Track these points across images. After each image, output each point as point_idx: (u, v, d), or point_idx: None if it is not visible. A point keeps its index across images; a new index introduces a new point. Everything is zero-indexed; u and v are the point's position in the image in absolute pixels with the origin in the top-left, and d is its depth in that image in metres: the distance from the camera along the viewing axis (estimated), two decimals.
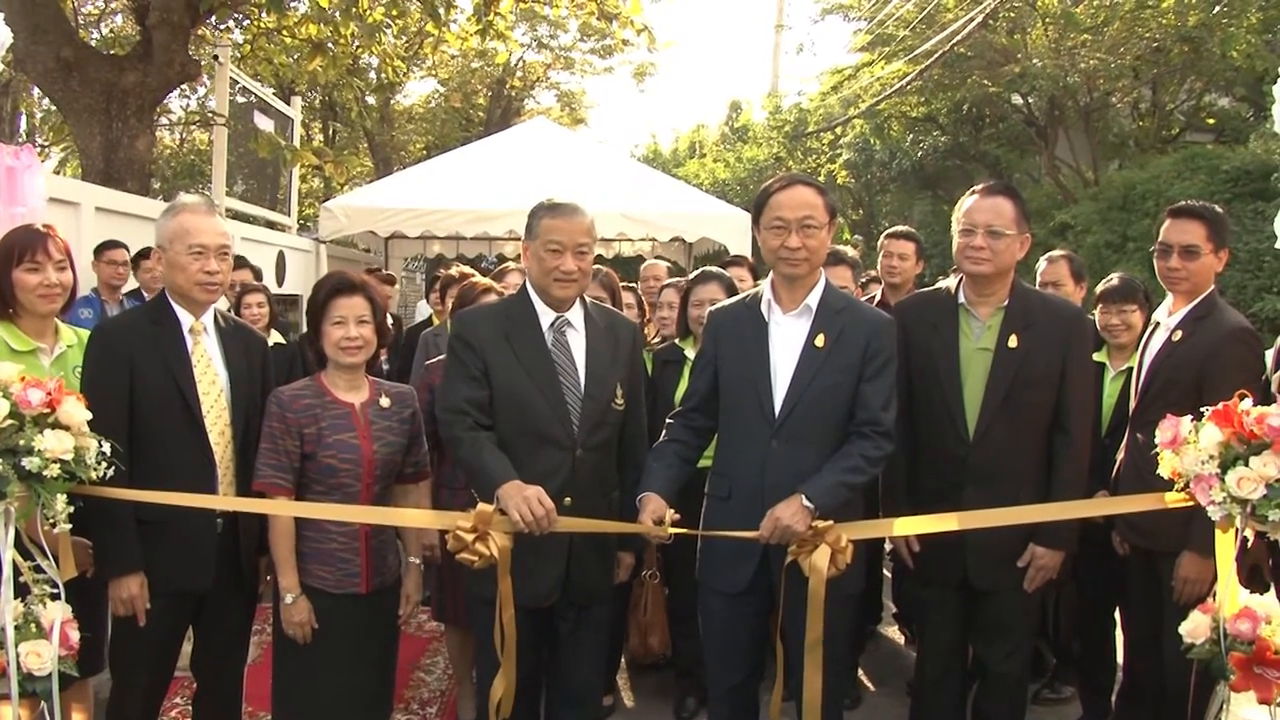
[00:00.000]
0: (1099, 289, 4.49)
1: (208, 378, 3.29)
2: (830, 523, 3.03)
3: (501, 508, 2.98)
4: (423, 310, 9.66)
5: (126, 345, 3.20)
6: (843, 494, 3.14)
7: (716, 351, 3.37)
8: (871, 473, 3.21)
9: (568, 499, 3.19)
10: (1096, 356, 4.33)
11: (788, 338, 3.26)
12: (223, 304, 6.56)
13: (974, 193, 3.53)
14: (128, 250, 6.22)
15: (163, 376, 3.20)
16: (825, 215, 3.20)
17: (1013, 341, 3.40)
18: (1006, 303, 3.47)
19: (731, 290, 4.48)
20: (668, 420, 3.50)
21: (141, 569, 3.13)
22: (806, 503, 3.03)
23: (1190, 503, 2.77)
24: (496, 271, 5.26)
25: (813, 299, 3.25)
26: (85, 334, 3.58)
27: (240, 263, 7.01)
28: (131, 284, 6.51)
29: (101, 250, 6.20)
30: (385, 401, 3.37)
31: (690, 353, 4.58)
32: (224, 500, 3.25)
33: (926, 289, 3.86)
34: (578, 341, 3.32)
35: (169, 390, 3.20)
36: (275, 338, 6.14)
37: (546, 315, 3.30)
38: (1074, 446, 3.45)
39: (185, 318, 3.30)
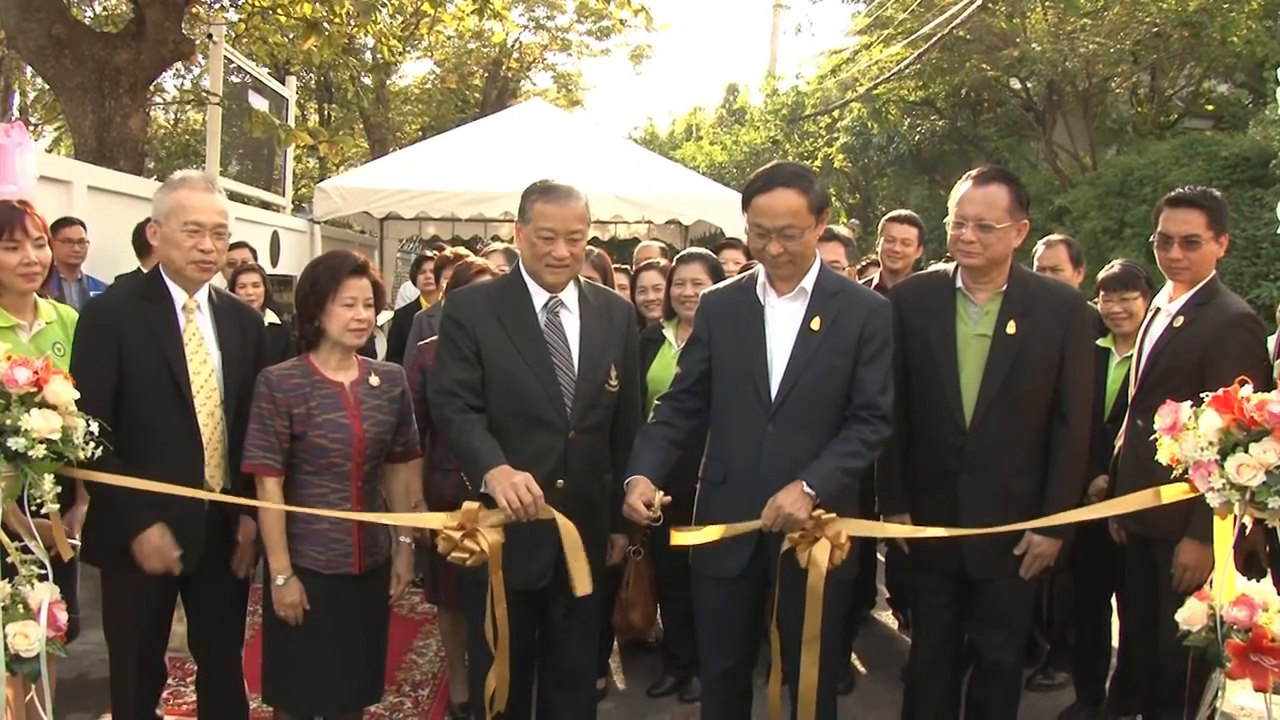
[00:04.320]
0: (1100, 276, 4.45)
1: (199, 356, 3.24)
2: (833, 516, 3.01)
3: (489, 492, 2.97)
4: (408, 293, 9.61)
5: (116, 321, 3.16)
6: (842, 480, 3.12)
7: (710, 335, 3.32)
8: (870, 457, 3.19)
9: (560, 481, 3.19)
10: (1101, 342, 4.31)
11: (783, 321, 3.22)
12: (219, 282, 6.58)
13: (968, 179, 3.45)
14: (84, 228, 5.99)
15: (153, 354, 3.16)
16: (809, 218, 3.11)
17: (1011, 328, 3.35)
18: (1005, 288, 3.41)
19: (716, 270, 4.45)
20: (656, 402, 3.46)
21: (156, 519, 3.10)
22: (807, 489, 3.01)
23: (1190, 495, 2.75)
24: (484, 252, 5.22)
25: (808, 281, 3.21)
26: (65, 310, 3.55)
27: (237, 244, 6.99)
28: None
29: (57, 228, 6.00)
30: (374, 380, 3.33)
31: (670, 333, 4.56)
32: (212, 496, 3.19)
33: (924, 272, 3.81)
34: (571, 322, 3.30)
35: (159, 369, 3.16)
36: (270, 318, 6.11)
37: (540, 296, 3.28)
38: (1072, 434, 3.42)
39: (178, 295, 3.25)
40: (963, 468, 3.41)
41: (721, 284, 3.59)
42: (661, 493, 3.09)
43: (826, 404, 3.18)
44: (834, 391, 3.18)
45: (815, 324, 3.17)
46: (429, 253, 8.07)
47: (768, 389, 3.18)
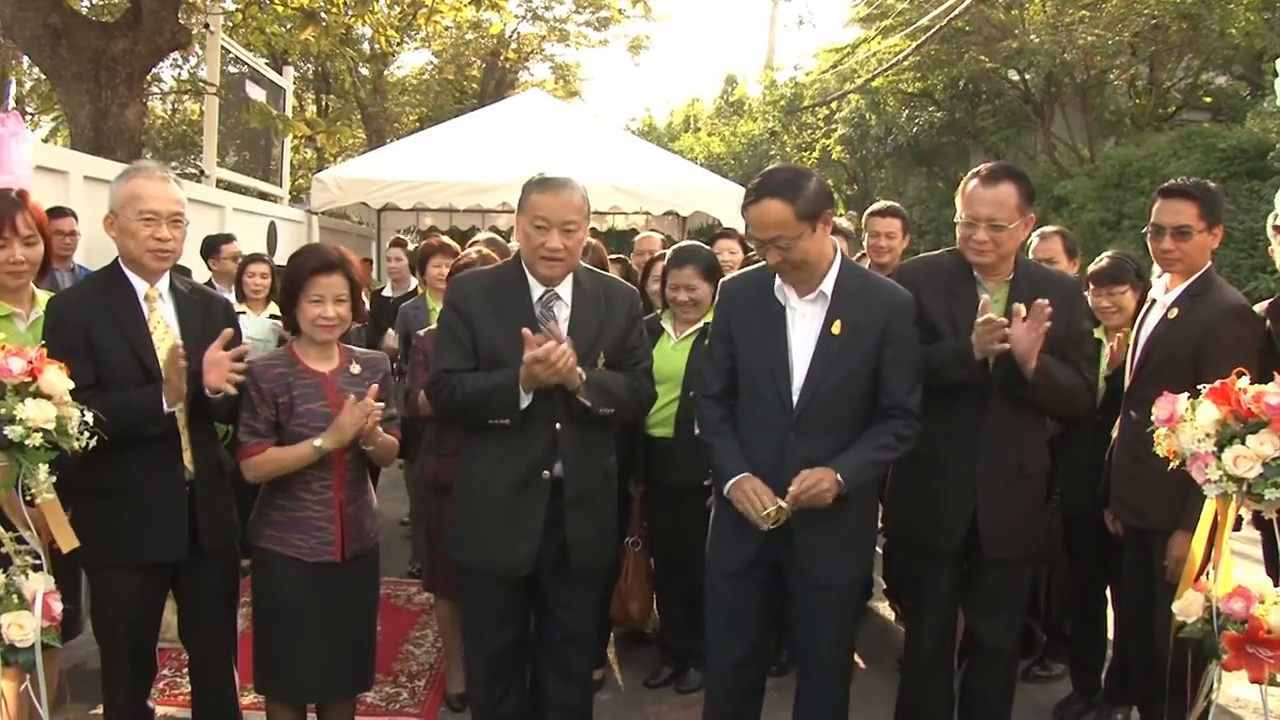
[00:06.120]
0: (1089, 271, 4.43)
1: (166, 344, 3.22)
2: None
3: (528, 385, 3.09)
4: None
5: (82, 317, 3.15)
6: (872, 472, 3.17)
7: (731, 331, 3.30)
8: (901, 449, 3.18)
9: (545, 473, 3.20)
10: (1094, 332, 4.30)
11: (805, 325, 3.19)
12: (205, 275, 6.57)
13: (975, 176, 3.45)
14: (75, 218, 5.93)
15: (120, 345, 3.16)
16: (798, 227, 3.04)
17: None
18: (1012, 276, 3.45)
19: (710, 270, 4.42)
20: (702, 401, 3.40)
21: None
22: (839, 479, 3.04)
23: None
24: (470, 242, 5.22)
25: (827, 285, 3.17)
26: None
27: (225, 237, 6.99)
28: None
29: (49, 219, 5.90)
30: (355, 369, 3.34)
31: (669, 324, 4.54)
32: None
33: (933, 254, 3.79)
34: (564, 315, 3.28)
35: (129, 361, 3.16)
36: (273, 309, 6.12)
37: (536, 289, 3.27)
38: (1083, 375, 3.48)
39: (139, 285, 3.25)
40: (981, 448, 3.42)
41: (743, 272, 3.52)
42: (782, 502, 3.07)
43: (847, 408, 3.17)
44: (855, 394, 3.17)
45: (836, 328, 3.15)
46: (402, 235, 8.05)
47: (790, 395, 3.16)
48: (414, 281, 7.18)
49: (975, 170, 3.51)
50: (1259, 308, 3.77)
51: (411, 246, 7.62)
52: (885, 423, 3.16)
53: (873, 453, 3.14)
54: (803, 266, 3.13)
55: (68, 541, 2.78)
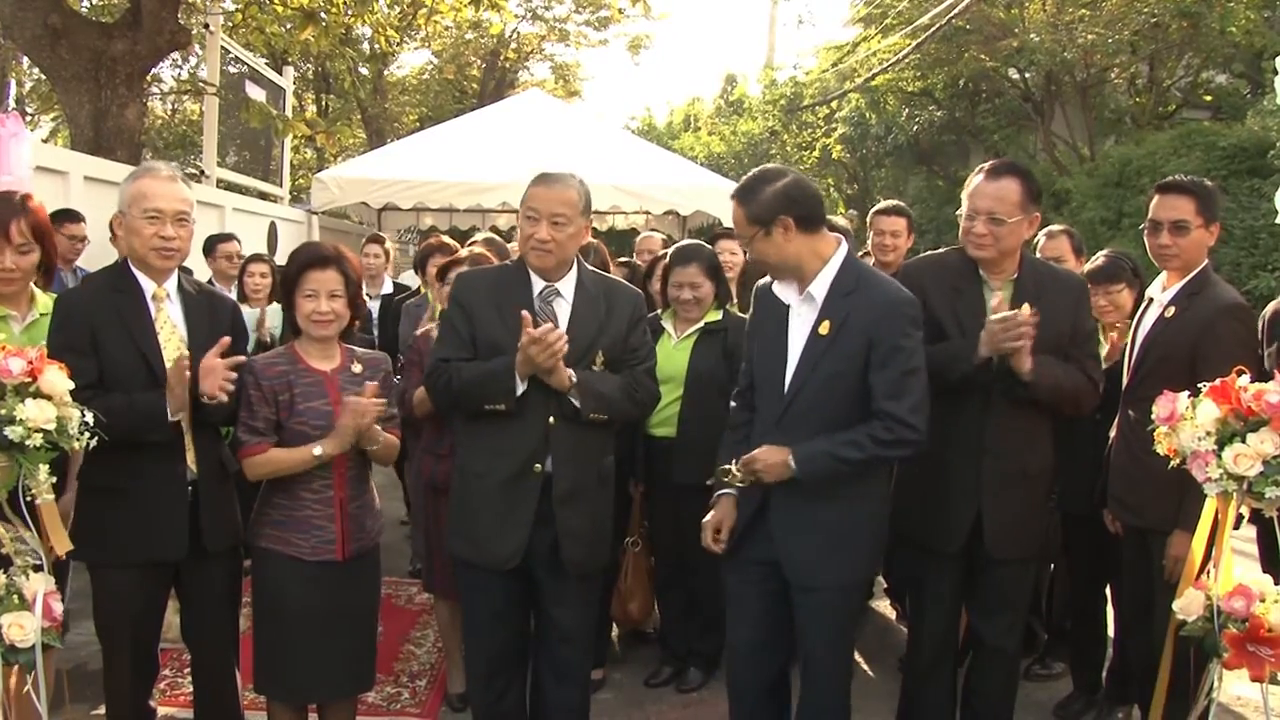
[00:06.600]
0: (1085, 270, 4.42)
1: (172, 344, 3.23)
2: None
3: (529, 369, 3.13)
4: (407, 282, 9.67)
5: (88, 315, 3.15)
6: (829, 465, 3.06)
7: (754, 330, 3.36)
8: (876, 452, 3.07)
9: (537, 466, 3.22)
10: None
11: (800, 324, 3.20)
12: (206, 274, 6.57)
13: (980, 172, 3.44)
14: (85, 222, 5.92)
15: (126, 344, 3.15)
16: (749, 230, 3.12)
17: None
18: (1016, 275, 3.43)
19: (713, 269, 4.44)
20: (731, 403, 3.46)
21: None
22: (790, 462, 3.03)
23: None
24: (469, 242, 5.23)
25: (816, 287, 3.14)
26: None
27: (225, 236, 6.99)
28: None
29: (59, 222, 5.70)
30: (357, 368, 3.34)
31: (669, 324, 4.54)
32: None
33: (937, 252, 3.78)
34: (563, 310, 3.30)
35: (134, 360, 3.15)
36: (275, 307, 6.12)
37: (538, 284, 3.31)
38: (1091, 376, 3.44)
39: (147, 284, 3.25)
40: (984, 448, 3.41)
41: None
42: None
43: (831, 410, 3.13)
44: (841, 396, 3.12)
45: (824, 328, 3.13)
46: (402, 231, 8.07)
47: (780, 392, 3.17)
48: (389, 281, 7.42)
49: (981, 166, 3.51)
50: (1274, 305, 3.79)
51: (389, 243, 7.67)
52: (868, 423, 3.09)
53: (835, 446, 3.06)
54: (766, 267, 3.19)
55: (63, 544, 2.78)
